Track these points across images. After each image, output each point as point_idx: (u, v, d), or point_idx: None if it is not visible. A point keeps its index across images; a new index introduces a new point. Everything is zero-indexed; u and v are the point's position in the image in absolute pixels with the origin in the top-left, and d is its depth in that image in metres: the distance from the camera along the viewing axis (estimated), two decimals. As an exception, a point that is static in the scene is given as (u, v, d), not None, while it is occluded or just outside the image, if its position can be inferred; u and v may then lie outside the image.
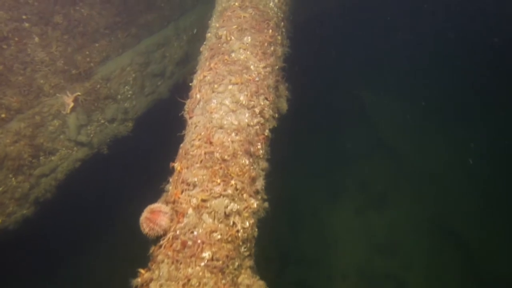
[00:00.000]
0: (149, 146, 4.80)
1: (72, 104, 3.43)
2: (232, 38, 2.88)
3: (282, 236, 5.69)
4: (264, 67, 2.80)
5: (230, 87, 2.60)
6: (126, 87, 4.15)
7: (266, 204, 2.51)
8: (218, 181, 2.27)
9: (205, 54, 2.99)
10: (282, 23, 3.34)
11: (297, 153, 6.54)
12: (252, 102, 2.58)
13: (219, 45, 2.90)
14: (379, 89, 7.06)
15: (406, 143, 6.54)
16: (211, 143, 2.35)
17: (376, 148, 6.63)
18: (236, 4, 3.15)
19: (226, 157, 2.31)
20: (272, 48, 3.02)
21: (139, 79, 4.29)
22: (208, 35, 3.21)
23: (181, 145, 2.56)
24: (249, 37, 2.89)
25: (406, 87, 7.05)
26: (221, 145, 2.34)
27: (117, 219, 5.21)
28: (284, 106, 3.03)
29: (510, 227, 5.31)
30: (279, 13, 3.30)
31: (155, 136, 4.51)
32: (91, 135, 3.83)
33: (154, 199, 2.50)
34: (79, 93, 3.59)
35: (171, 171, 2.53)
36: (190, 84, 3.10)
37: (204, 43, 3.18)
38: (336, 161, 6.54)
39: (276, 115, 2.90)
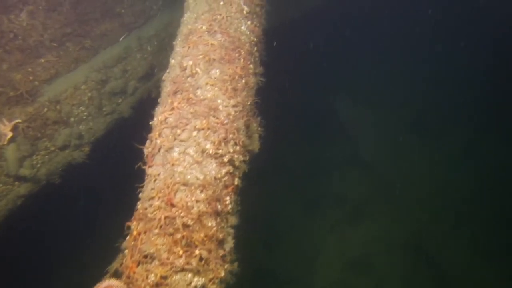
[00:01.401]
0: (109, 172, 4.38)
1: (10, 134, 2.96)
2: (198, 70, 2.54)
3: (255, 253, 5.51)
4: (235, 106, 2.50)
5: (194, 133, 2.27)
6: (81, 107, 3.69)
7: (235, 265, 2.26)
8: (180, 252, 1.97)
9: (167, 87, 2.63)
10: (256, 47, 3.03)
11: (271, 165, 6.32)
12: (220, 151, 2.28)
13: (183, 78, 2.55)
14: (356, 99, 6.95)
15: (382, 156, 6.50)
16: (172, 205, 2.04)
17: (352, 161, 6.55)
18: (204, 27, 2.79)
19: (189, 222, 2.01)
20: (243, 81, 2.71)
21: (96, 98, 3.83)
22: (172, 61, 2.84)
23: (139, 202, 2.23)
24: (217, 70, 2.56)
25: (385, 97, 6.99)
26: (184, 207, 2.04)
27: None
28: (256, 145, 2.75)
29: (484, 247, 5.42)
30: (252, 37, 2.98)
31: (116, 160, 4.10)
32: (38, 166, 3.38)
33: (109, 257, 2.18)
34: (19, 120, 3.11)
35: (127, 230, 2.21)
36: (153, 115, 2.75)
37: (167, 71, 2.81)
38: (311, 174, 6.41)
39: (247, 158, 2.63)
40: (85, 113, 3.74)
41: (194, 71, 2.54)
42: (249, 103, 2.68)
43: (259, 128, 2.84)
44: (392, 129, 6.88)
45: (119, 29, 4.25)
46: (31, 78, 3.37)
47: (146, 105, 3.88)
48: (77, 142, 3.72)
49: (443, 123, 6.85)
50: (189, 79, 2.53)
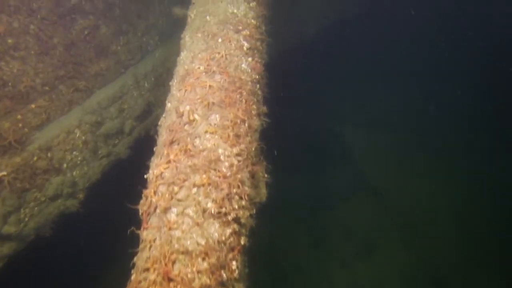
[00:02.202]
0: (105, 219, 4.12)
1: (-7, 190, 2.73)
2: (196, 117, 2.32)
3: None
4: (238, 155, 2.26)
5: (194, 191, 2.03)
6: (74, 152, 3.48)
7: None
8: (180, 338, 1.70)
9: (163, 135, 2.41)
10: (258, 85, 2.83)
11: (275, 195, 6.04)
12: (224, 209, 2.03)
13: (180, 126, 2.34)
14: (360, 122, 6.73)
15: (391, 182, 6.21)
16: (169, 279, 1.77)
17: (360, 189, 6.26)
18: (201, 68, 2.60)
19: (190, 299, 1.75)
20: (246, 125, 2.49)
21: (91, 142, 3.63)
22: (168, 105, 2.63)
23: (133, 270, 1.97)
24: (217, 115, 2.35)
25: (391, 119, 6.77)
26: (184, 280, 1.77)
27: None
28: (263, 194, 2.50)
29: (497, 276, 5.05)
30: (253, 75, 2.78)
31: (112, 205, 3.85)
32: (26, 220, 3.12)
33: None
34: (4, 173, 2.89)
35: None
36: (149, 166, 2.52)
37: (164, 115, 2.60)
38: (318, 205, 6.11)
39: (254, 212, 2.37)
40: (79, 158, 3.52)
41: (191, 118, 2.32)
42: (253, 148, 2.45)
43: (266, 175, 2.60)
44: (400, 153, 6.63)
45: (115, 67, 4.10)
46: (20, 125, 3.16)
47: (145, 144, 3.66)
48: (70, 190, 3.48)
49: (452, 144, 6.59)
50: (186, 127, 2.31)
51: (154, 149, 2.47)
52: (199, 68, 2.60)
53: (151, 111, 4.49)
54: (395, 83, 7.09)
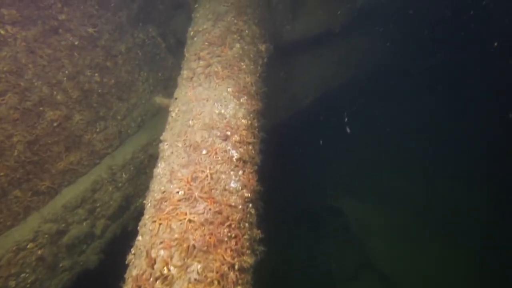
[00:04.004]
0: None
1: None
2: (172, 270, 1.79)
3: None
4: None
5: None
6: (23, 275, 2.86)
7: None
8: None
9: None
10: (251, 204, 2.35)
11: (275, 279, 5.38)
12: None
13: (150, 282, 1.81)
14: (363, 196, 6.28)
15: (397, 261, 5.62)
16: None
17: (364, 270, 5.64)
18: (180, 193, 2.12)
19: None
20: (236, 269, 1.97)
21: (49, 256, 3.03)
22: (138, 240, 2.12)
23: None
24: (199, 266, 1.82)
25: (389, 192, 6.33)
26: None
27: None
28: None
29: None
30: (245, 194, 2.29)
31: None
32: None
33: None
34: None
35: None
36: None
37: (131, 258, 2.07)
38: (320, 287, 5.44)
39: None
40: (30, 280, 2.87)
41: (165, 272, 1.80)
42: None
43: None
44: (404, 228, 6.11)
45: (88, 159, 3.63)
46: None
47: (120, 245, 3.06)
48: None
49: (471, 224, 6.08)
50: (158, 284, 1.79)
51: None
52: (177, 192, 2.12)
53: (129, 204, 3.95)
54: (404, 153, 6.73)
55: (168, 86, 5.02)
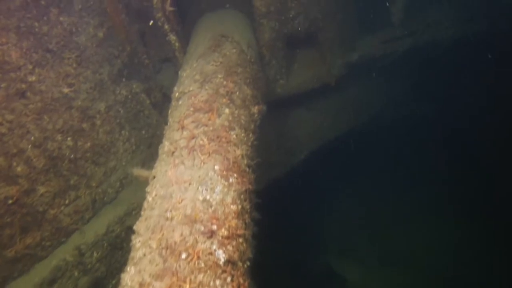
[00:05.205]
0: None
1: None
2: None
3: None
4: None
5: None
6: None
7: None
8: None
9: None
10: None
11: None
12: None
13: None
14: (364, 255, 5.77)
15: None
16: None
17: None
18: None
19: None
20: None
21: None
22: None
23: None
24: None
25: (400, 250, 5.82)
26: None
27: None
28: None
29: None
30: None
31: None
32: None
33: None
34: None
35: None
36: None
37: None
38: None
39: None
40: None
41: None
42: None
43: None
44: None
45: (51, 238, 3.12)
46: None
47: None
48: None
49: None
50: None
51: None
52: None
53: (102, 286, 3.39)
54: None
55: (152, 144, 4.62)
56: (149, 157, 4.53)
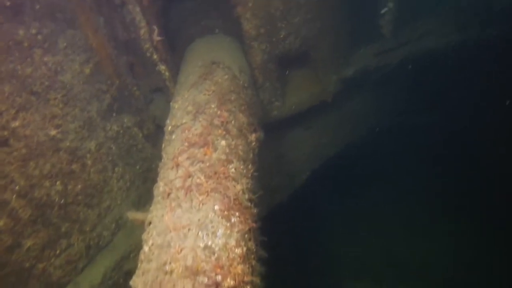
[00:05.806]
0: None
1: None
2: None
3: None
4: None
5: None
6: None
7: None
8: None
9: None
10: None
11: None
12: None
13: None
14: (380, 274, 5.49)
15: None
16: None
17: None
18: None
19: None
20: None
21: None
22: None
23: None
24: None
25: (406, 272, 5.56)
26: None
27: None
28: None
29: None
30: None
31: None
32: None
33: None
34: None
35: None
36: None
37: None
38: None
39: None
40: None
41: None
42: None
43: None
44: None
45: (42, 294, 2.87)
46: None
47: None
48: None
49: None
50: None
51: None
52: None
53: None
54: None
55: (148, 178, 4.43)
56: (145, 193, 4.32)
